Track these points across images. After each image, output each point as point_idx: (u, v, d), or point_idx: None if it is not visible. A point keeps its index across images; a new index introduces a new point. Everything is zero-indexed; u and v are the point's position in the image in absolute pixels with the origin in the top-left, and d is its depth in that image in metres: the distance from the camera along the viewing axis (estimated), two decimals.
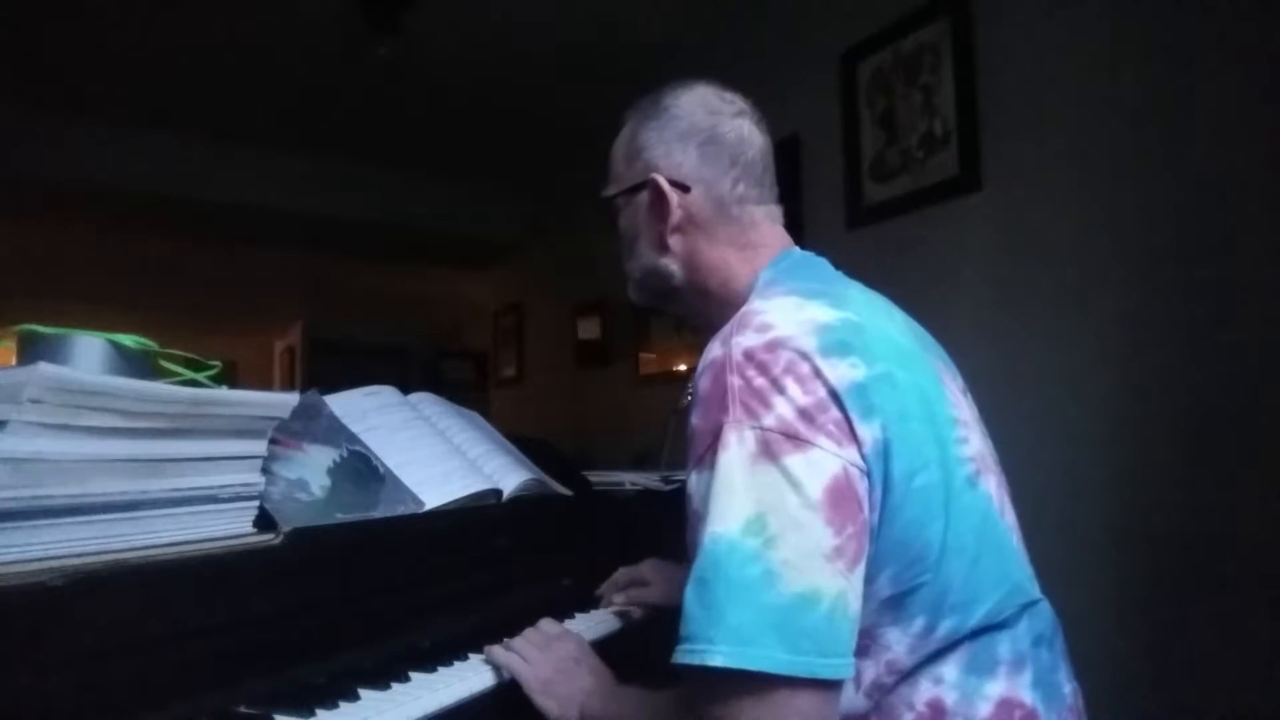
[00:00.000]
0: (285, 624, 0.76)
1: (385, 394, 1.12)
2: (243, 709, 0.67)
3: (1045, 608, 0.70)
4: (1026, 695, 0.63)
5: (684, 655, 0.57)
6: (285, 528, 0.76)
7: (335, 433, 0.94)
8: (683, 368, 2.95)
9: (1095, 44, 1.57)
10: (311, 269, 5.32)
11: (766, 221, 0.81)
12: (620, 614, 1.06)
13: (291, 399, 0.76)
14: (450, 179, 4.07)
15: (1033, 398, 1.64)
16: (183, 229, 4.15)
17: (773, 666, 0.55)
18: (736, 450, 0.59)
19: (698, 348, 0.70)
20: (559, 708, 0.76)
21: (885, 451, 0.60)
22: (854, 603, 0.58)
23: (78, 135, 3.16)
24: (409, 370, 6.06)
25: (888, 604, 0.62)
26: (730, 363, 0.62)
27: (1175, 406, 1.43)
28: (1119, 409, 1.51)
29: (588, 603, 1.07)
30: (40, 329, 0.68)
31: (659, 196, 0.79)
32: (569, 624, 0.97)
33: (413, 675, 0.77)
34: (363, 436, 0.97)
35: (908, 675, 0.62)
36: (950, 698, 0.61)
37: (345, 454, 0.92)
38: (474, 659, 0.83)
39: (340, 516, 0.84)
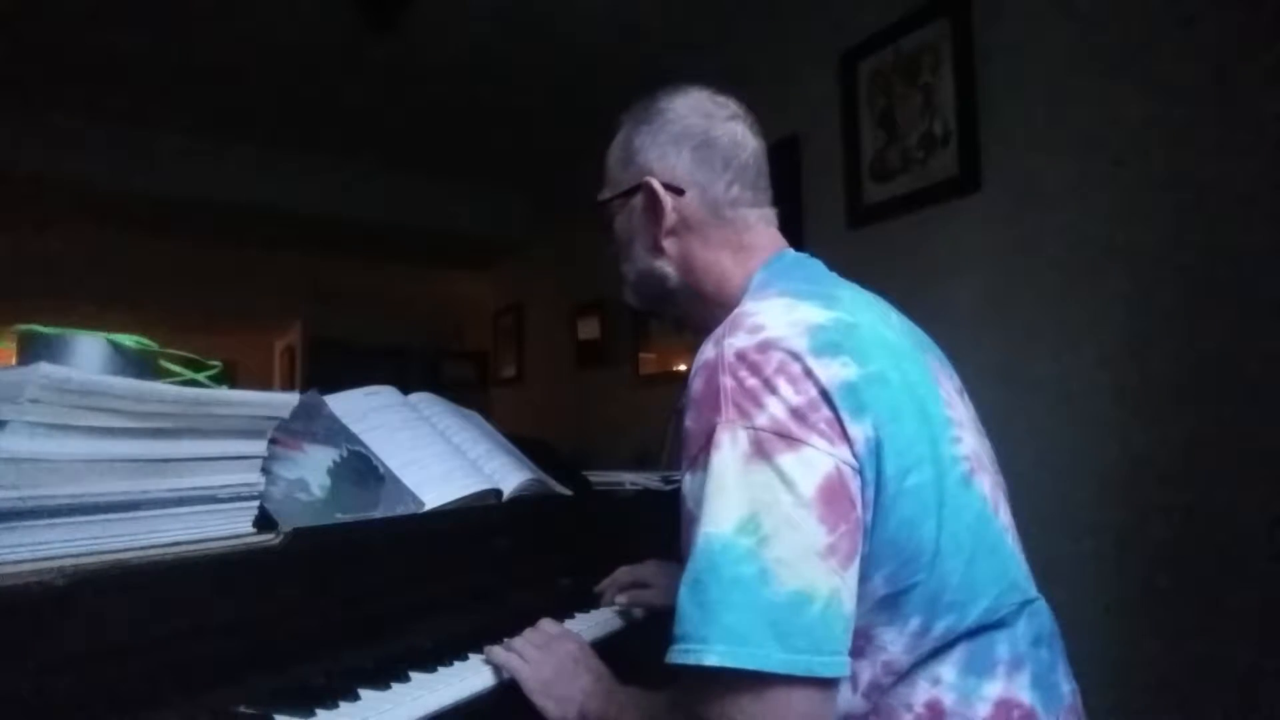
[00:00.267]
0: (285, 624, 0.76)
1: (385, 394, 1.12)
2: (243, 709, 0.67)
3: (1043, 607, 0.70)
4: (1025, 695, 0.63)
5: (679, 655, 0.58)
6: (285, 528, 0.76)
7: (335, 433, 0.95)
8: (682, 368, 2.95)
9: (1094, 44, 1.57)
10: (311, 269, 5.32)
11: (760, 224, 0.82)
12: (620, 614, 1.06)
13: (291, 399, 0.77)
14: (450, 179, 4.07)
15: (1032, 398, 1.64)
16: (183, 229, 4.15)
17: (768, 665, 0.55)
18: (729, 450, 0.59)
19: (697, 348, 0.70)
20: (558, 708, 0.76)
21: (877, 450, 0.60)
22: (848, 601, 0.58)
23: (78, 135, 3.16)
24: (409, 370, 6.04)
25: (883, 603, 0.62)
26: (723, 364, 0.62)
27: (1175, 406, 1.43)
28: (1118, 409, 1.51)
29: (588, 603, 1.08)
30: (40, 329, 0.68)
31: (653, 200, 0.80)
32: (569, 624, 0.97)
33: (413, 675, 0.77)
34: (363, 436, 0.97)
35: (905, 676, 0.62)
36: (948, 698, 0.61)
37: (345, 454, 0.92)
38: (474, 659, 0.83)
39: (340, 516, 0.84)
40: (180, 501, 0.68)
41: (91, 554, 0.60)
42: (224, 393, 0.71)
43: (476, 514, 1.04)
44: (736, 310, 0.69)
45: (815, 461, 0.58)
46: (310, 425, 0.91)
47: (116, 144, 3.25)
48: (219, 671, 0.68)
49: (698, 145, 0.80)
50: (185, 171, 3.41)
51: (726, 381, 0.61)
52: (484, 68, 2.87)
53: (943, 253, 1.87)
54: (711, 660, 0.55)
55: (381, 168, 3.86)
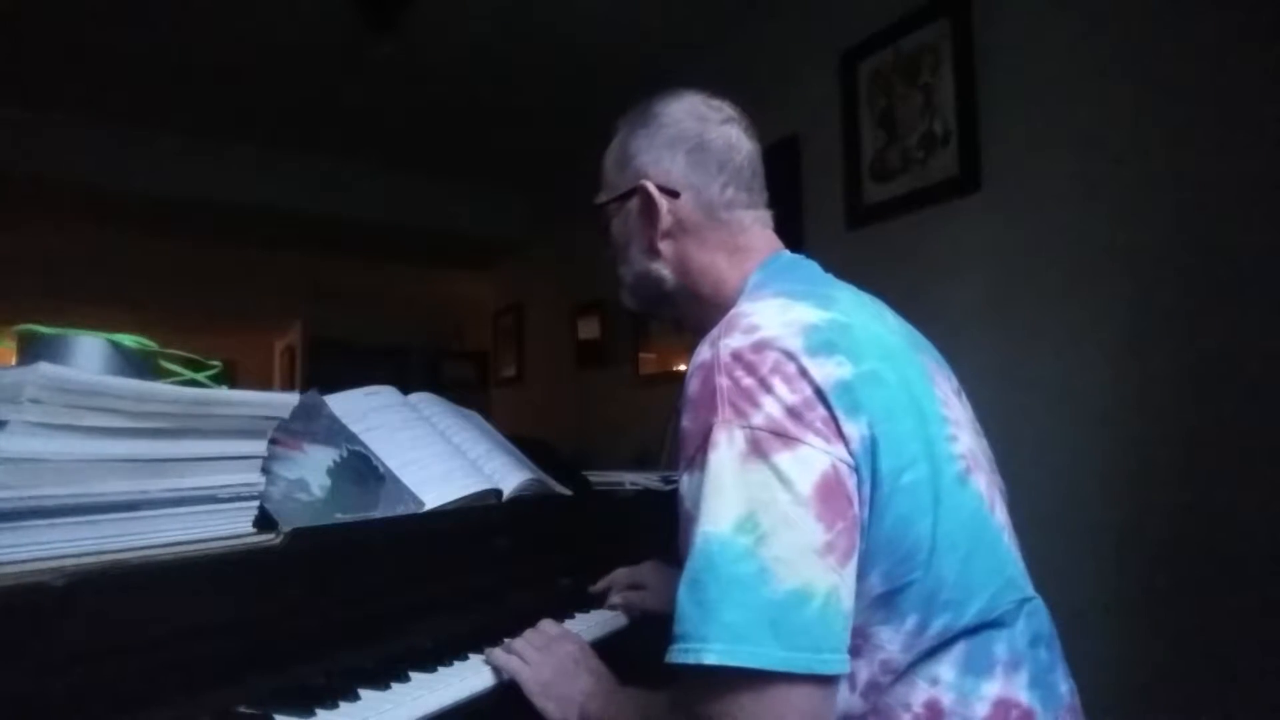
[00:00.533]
0: (285, 624, 0.76)
1: (385, 394, 1.12)
2: (243, 709, 0.67)
3: (1041, 607, 0.70)
4: (1023, 695, 0.63)
5: (679, 654, 0.58)
6: (285, 528, 0.76)
7: (335, 433, 0.95)
8: (682, 368, 2.93)
9: (1095, 44, 1.57)
10: (311, 269, 5.32)
11: (756, 225, 0.82)
12: (620, 614, 1.06)
13: (291, 399, 0.77)
14: (450, 179, 4.07)
15: (1032, 397, 1.64)
16: (183, 229, 4.15)
17: (768, 663, 0.55)
18: (726, 450, 0.59)
19: (694, 349, 0.70)
20: (558, 709, 0.76)
21: (872, 448, 0.61)
22: (847, 598, 0.58)
23: (78, 135, 3.16)
24: (409, 370, 6.05)
25: (879, 602, 0.62)
26: (718, 364, 0.63)
27: (1175, 406, 1.43)
28: (1118, 409, 1.51)
29: (588, 603, 1.07)
30: (40, 329, 0.69)
31: (649, 202, 0.81)
32: (569, 624, 0.97)
33: (413, 675, 0.77)
34: (363, 436, 0.97)
35: (903, 675, 0.62)
36: (947, 698, 0.61)
37: (345, 454, 0.92)
38: (474, 659, 0.83)
39: (340, 516, 0.84)
40: (180, 502, 0.68)
41: (91, 554, 0.60)
42: (224, 393, 0.71)
43: (476, 514, 1.04)
44: (732, 311, 0.70)
45: (812, 460, 0.58)
46: (310, 425, 0.91)
47: (116, 144, 3.25)
48: (219, 671, 0.68)
49: (692, 148, 0.80)
50: (185, 171, 3.41)
51: (722, 381, 0.62)
52: (484, 68, 2.87)
53: (943, 253, 1.87)
54: (711, 659, 0.55)
55: (381, 168, 3.87)
